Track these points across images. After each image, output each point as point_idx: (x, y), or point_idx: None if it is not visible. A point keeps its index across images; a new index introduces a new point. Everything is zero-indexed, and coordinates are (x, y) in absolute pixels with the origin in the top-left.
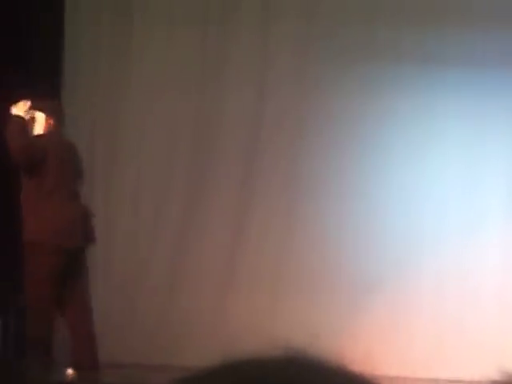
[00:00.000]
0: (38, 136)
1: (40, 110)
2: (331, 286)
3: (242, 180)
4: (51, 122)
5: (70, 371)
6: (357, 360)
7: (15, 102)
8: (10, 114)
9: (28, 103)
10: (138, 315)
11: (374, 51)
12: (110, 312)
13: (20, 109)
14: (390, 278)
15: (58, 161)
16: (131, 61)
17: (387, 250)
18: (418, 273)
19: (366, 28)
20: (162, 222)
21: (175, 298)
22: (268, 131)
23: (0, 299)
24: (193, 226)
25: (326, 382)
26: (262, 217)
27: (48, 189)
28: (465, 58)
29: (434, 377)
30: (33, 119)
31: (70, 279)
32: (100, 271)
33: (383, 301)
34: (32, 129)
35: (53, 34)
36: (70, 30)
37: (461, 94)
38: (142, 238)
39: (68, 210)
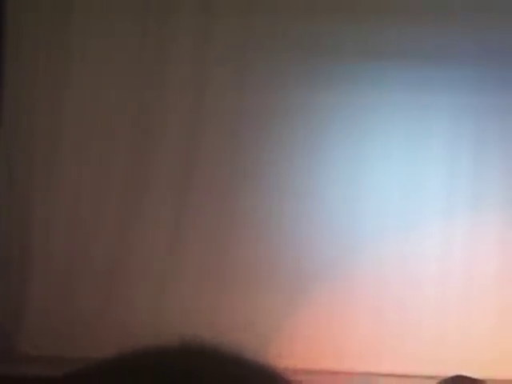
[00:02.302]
0: None
1: None
2: (270, 281)
3: (182, 172)
4: None
5: None
6: (296, 354)
7: None
8: None
9: None
10: (76, 308)
11: (316, 47)
12: (48, 305)
13: None
14: (329, 274)
15: None
16: (71, 60)
17: (326, 246)
18: (358, 269)
19: (306, 24)
20: (102, 218)
21: (115, 290)
22: (208, 128)
23: None
24: (132, 220)
25: (220, 369)
26: (202, 210)
27: None
28: (406, 55)
29: (373, 371)
30: None
31: None
32: (39, 264)
33: (322, 296)
34: None
35: None
36: (12, 30)
37: (403, 90)
38: (81, 233)
39: None
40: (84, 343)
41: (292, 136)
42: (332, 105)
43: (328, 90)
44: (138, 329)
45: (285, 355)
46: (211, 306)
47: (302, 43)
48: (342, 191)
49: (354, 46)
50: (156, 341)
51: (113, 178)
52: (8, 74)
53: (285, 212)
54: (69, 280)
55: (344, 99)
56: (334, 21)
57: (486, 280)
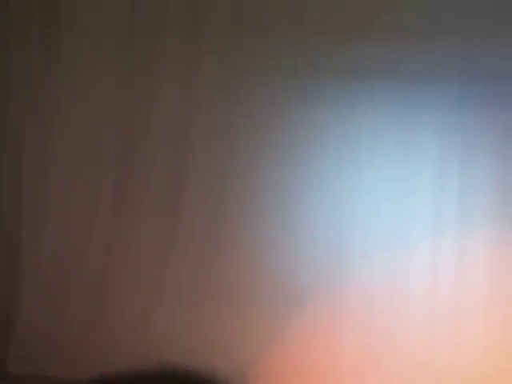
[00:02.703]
0: None
1: None
2: (257, 297)
3: (168, 191)
4: None
5: None
6: (281, 371)
7: None
8: None
9: None
10: (64, 327)
11: (296, 63)
12: (36, 323)
13: None
14: (317, 290)
15: None
16: (59, 66)
17: (314, 261)
18: (346, 285)
19: (296, 44)
20: (90, 232)
21: (102, 309)
22: (194, 140)
23: None
24: (120, 237)
25: None
26: (188, 228)
27: None
28: (389, 71)
29: None
30: None
31: None
32: (27, 280)
33: (310, 312)
34: None
35: None
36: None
37: (390, 107)
38: (69, 249)
39: None
40: (70, 363)
41: (281, 153)
42: (321, 123)
43: (317, 107)
44: (123, 350)
45: (271, 373)
46: (195, 328)
47: (292, 62)
48: (330, 206)
49: (343, 65)
50: (137, 365)
51: (103, 191)
52: None
53: (271, 231)
54: (58, 295)
55: (332, 117)
56: (323, 41)
57: (475, 298)
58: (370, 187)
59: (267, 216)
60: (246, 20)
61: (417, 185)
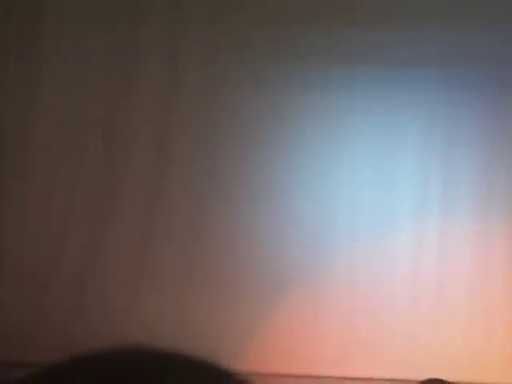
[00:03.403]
0: None
1: None
2: (241, 285)
3: (151, 177)
4: None
5: None
6: (266, 359)
7: None
8: None
9: None
10: (46, 315)
11: (278, 50)
12: (18, 312)
13: None
14: (301, 279)
15: None
16: (42, 62)
17: (298, 250)
18: (330, 273)
19: (278, 30)
20: (72, 224)
21: (84, 298)
22: (178, 126)
23: None
24: (102, 227)
25: (162, 368)
26: (171, 216)
27: None
28: (374, 57)
29: (346, 375)
30: None
31: None
32: (10, 270)
33: (294, 300)
34: None
35: None
36: None
37: (371, 93)
38: (51, 239)
39: None
40: (50, 349)
41: (264, 141)
42: (304, 109)
43: (299, 94)
44: (103, 337)
45: (255, 359)
46: (178, 311)
47: (274, 48)
48: (314, 196)
49: (325, 50)
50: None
51: (84, 189)
52: None
53: (255, 217)
54: (39, 285)
55: (316, 104)
56: (305, 26)
57: (458, 282)
58: (353, 175)
59: (252, 203)
60: (228, 7)
61: (400, 173)
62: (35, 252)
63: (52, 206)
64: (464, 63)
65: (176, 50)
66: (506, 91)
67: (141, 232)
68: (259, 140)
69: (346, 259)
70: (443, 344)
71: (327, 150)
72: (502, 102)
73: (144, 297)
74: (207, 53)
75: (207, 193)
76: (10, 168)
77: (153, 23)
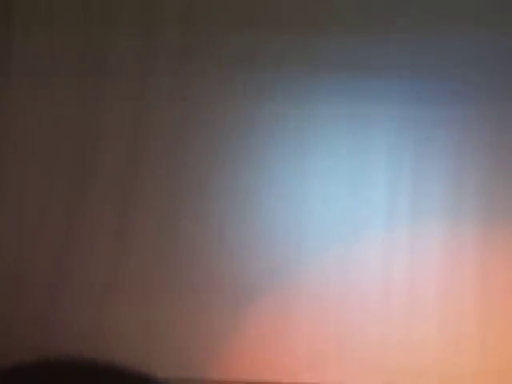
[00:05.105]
0: None
1: None
2: (211, 293)
3: (124, 184)
4: None
5: None
6: (238, 366)
7: None
8: None
9: None
10: (19, 319)
11: (255, 57)
12: None
13: None
14: (271, 286)
15: None
16: (11, 66)
17: (268, 257)
18: (301, 280)
19: (248, 36)
20: (44, 229)
21: (57, 303)
22: (149, 134)
23: None
24: (75, 232)
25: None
26: (144, 220)
27: None
28: (348, 62)
29: (316, 382)
30: None
31: None
32: None
33: (265, 308)
34: None
35: None
36: None
37: (343, 102)
38: (24, 244)
39: None
40: (27, 350)
41: (234, 148)
42: (274, 117)
43: (269, 101)
44: (78, 338)
45: (226, 367)
46: (146, 321)
47: (243, 54)
48: (285, 203)
49: (295, 57)
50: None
51: (56, 188)
52: None
53: (227, 223)
54: (14, 284)
55: (286, 111)
56: (274, 32)
57: (428, 288)
58: (323, 183)
59: (220, 207)
60: (199, 16)
61: (370, 180)
62: (10, 253)
63: (24, 208)
64: (437, 73)
65: (144, 60)
66: (481, 101)
67: (112, 244)
68: (228, 151)
69: (317, 267)
70: (414, 341)
71: (297, 160)
72: (477, 112)
73: (110, 310)
74: (176, 63)
75: (180, 200)
76: None
77: (121, 33)
